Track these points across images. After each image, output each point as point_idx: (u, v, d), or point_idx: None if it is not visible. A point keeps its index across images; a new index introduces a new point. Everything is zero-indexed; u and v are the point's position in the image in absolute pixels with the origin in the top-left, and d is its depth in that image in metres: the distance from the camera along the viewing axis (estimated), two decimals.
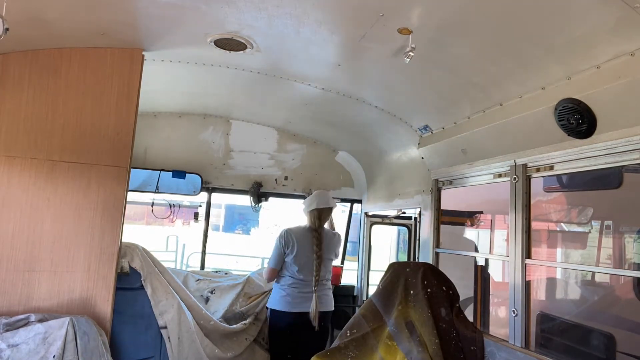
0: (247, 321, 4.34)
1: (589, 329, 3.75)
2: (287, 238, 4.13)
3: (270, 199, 5.33)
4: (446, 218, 4.53)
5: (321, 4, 2.41)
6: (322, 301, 4.13)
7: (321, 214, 4.23)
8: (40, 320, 2.91)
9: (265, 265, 4.39)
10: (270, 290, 4.47)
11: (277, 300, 4.11)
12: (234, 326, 4.21)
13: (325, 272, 4.21)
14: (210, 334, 4.01)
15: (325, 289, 4.23)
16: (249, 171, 5.24)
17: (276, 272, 4.16)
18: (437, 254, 3.86)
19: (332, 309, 4.28)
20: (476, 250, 4.95)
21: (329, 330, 4.40)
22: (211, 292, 4.52)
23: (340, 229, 5.75)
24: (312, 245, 4.13)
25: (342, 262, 5.73)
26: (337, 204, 4.39)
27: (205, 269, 5.26)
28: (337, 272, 5.35)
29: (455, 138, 3.45)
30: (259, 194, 5.23)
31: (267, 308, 4.25)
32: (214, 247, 6.15)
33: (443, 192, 3.90)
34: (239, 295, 4.53)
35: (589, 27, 2.05)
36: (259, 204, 5.30)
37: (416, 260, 4.47)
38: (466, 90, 3.06)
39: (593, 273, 4.48)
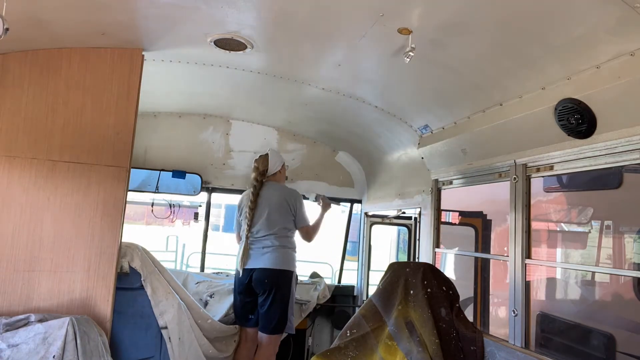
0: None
1: (589, 329, 3.75)
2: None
3: None
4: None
5: (321, 4, 2.41)
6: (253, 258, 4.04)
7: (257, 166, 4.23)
8: (40, 320, 2.91)
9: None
10: None
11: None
12: (229, 327, 4.20)
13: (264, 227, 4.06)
14: (207, 333, 4.00)
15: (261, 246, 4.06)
16: (249, 171, 5.23)
17: None
18: (437, 254, 3.86)
19: (272, 267, 3.98)
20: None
21: (272, 289, 4.00)
22: (210, 296, 4.50)
23: (340, 229, 5.77)
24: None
25: (342, 262, 5.74)
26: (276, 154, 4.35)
27: (206, 270, 5.26)
28: None
29: (455, 138, 3.45)
30: None
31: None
32: (214, 247, 6.14)
33: (443, 192, 3.90)
34: None
35: (589, 27, 2.05)
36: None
37: (416, 260, 4.47)
38: (466, 90, 3.06)
39: (593, 273, 4.48)
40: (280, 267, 4.00)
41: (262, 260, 4.02)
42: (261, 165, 4.24)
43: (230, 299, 4.43)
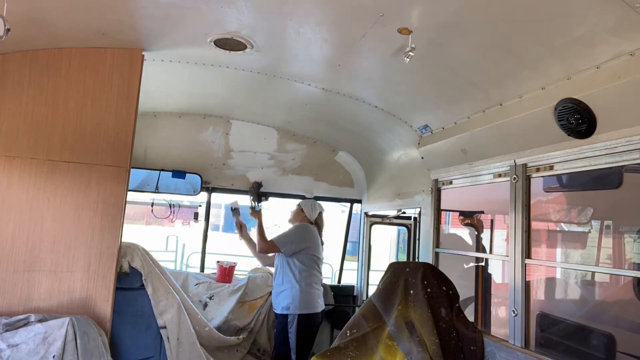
0: (241, 337, 4.31)
1: (589, 329, 3.75)
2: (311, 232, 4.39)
3: (270, 198, 5.33)
4: None
5: (321, 4, 2.41)
6: None
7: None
8: (40, 320, 2.91)
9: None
10: (270, 292, 4.46)
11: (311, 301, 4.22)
12: (228, 337, 4.19)
13: None
14: (205, 341, 3.98)
15: None
16: (248, 171, 5.23)
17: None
18: (437, 254, 3.86)
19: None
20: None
21: None
22: (210, 298, 4.50)
23: (340, 229, 5.77)
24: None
25: (342, 262, 5.74)
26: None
27: (205, 270, 5.25)
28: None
29: (455, 138, 3.45)
30: (259, 194, 5.23)
31: (291, 315, 4.11)
32: (214, 247, 6.14)
33: (443, 192, 3.90)
34: (237, 303, 4.48)
35: (589, 27, 2.05)
36: (259, 204, 5.30)
37: (416, 260, 4.47)
38: (466, 90, 3.06)
39: (593, 273, 4.48)
40: None
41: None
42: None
43: (229, 303, 4.42)
